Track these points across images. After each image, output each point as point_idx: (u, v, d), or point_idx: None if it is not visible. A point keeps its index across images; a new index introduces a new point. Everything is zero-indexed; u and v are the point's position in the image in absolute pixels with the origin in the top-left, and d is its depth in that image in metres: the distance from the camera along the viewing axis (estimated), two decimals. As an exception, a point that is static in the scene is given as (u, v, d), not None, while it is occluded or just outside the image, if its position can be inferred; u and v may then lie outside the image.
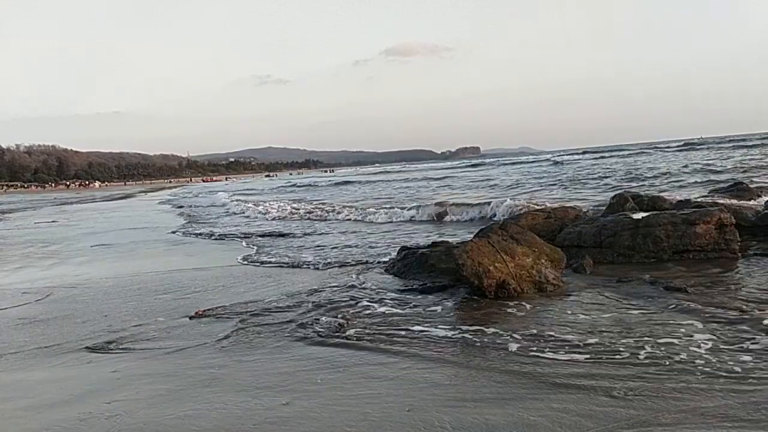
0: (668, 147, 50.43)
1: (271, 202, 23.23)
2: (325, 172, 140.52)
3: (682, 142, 60.15)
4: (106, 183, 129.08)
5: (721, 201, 8.83)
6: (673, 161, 28.05)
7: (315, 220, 16.34)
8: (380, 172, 62.58)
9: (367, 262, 8.23)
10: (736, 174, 17.40)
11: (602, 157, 41.81)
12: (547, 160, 46.81)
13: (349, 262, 8.31)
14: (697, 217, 6.85)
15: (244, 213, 20.44)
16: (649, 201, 8.93)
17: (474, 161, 77.69)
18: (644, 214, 7.35)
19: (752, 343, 3.85)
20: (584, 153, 58.30)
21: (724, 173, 18.47)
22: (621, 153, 45.74)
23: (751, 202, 9.12)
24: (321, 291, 6.46)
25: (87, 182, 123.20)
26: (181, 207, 28.31)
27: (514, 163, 48.86)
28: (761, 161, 22.00)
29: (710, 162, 24.41)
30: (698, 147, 42.78)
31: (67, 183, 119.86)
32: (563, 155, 61.33)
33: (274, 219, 17.55)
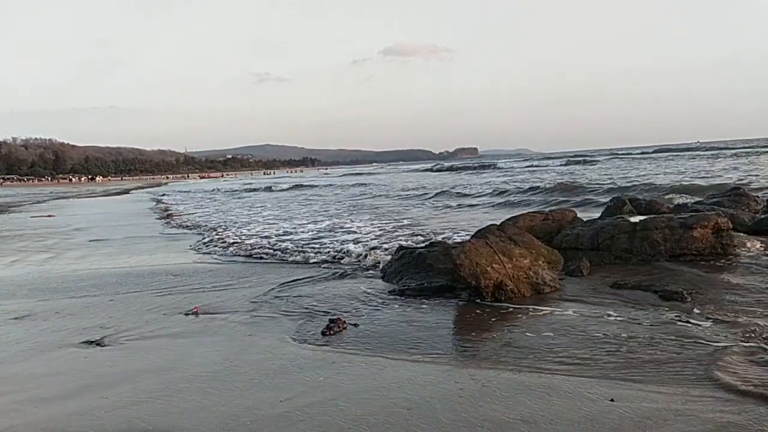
0: (644, 152, 51.54)
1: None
2: (319, 170, 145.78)
3: (654, 148, 62.53)
4: (109, 177, 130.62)
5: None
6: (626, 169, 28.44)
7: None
8: (353, 174, 70.26)
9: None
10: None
11: (568, 163, 43.25)
12: (510, 168, 49.01)
13: (342, 259, 8.31)
14: (694, 221, 6.86)
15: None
16: (647, 205, 8.95)
17: (454, 163, 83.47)
18: (641, 218, 7.37)
19: (747, 350, 3.86)
20: (561, 157, 60.77)
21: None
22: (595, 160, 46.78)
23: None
24: (317, 291, 6.46)
25: (90, 177, 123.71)
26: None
27: (482, 167, 52.87)
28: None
29: (659, 172, 24.34)
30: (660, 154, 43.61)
31: (71, 177, 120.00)
32: (512, 162, 65.06)
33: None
